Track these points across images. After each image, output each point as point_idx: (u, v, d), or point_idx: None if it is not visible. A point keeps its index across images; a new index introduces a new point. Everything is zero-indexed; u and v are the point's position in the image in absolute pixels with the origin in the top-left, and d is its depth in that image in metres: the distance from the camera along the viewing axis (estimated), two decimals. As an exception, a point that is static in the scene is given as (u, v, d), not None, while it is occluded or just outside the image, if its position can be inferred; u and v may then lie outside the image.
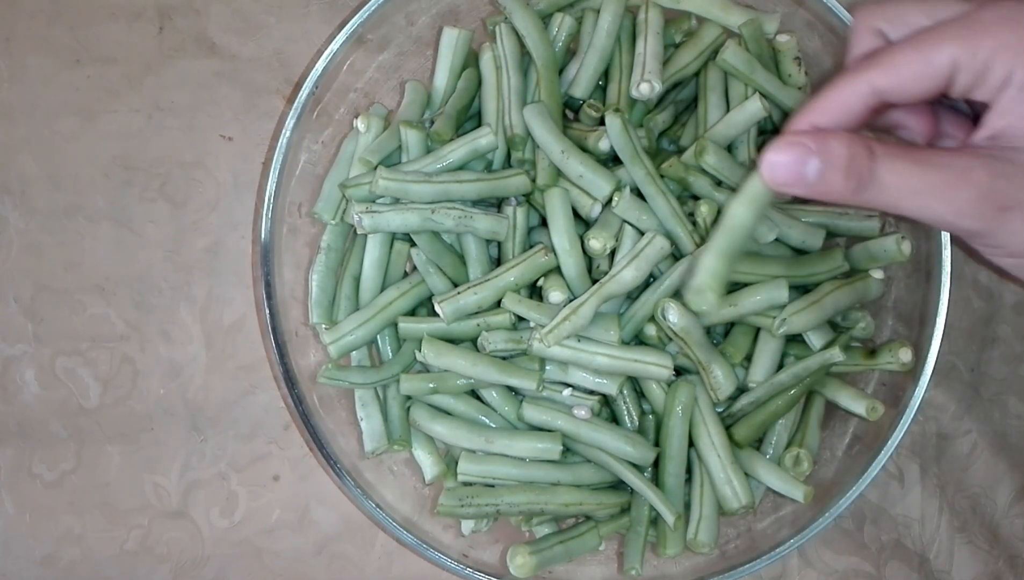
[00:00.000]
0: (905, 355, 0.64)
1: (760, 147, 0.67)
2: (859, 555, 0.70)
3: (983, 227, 0.39)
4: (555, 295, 0.62)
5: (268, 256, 0.64)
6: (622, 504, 0.65)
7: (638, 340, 0.65)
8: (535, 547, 0.64)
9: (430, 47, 0.71)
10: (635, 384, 0.65)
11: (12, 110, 0.74)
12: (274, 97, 0.75)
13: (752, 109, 0.63)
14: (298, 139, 0.66)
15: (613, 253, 0.63)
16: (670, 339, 0.62)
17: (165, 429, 0.72)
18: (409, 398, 0.67)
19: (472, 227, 0.63)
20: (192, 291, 0.73)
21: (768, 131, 0.69)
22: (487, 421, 0.65)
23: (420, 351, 0.63)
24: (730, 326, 0.65)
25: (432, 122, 0.67)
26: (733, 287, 0.64)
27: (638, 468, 0.64)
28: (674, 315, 0.60)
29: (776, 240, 0.64)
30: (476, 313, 0.64)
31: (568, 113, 0.69)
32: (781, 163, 0.38)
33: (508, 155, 0.67)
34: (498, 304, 0.63)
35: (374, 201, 0.64)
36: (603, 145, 0.64)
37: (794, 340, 0.65)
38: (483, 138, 0.64)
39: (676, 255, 0.63)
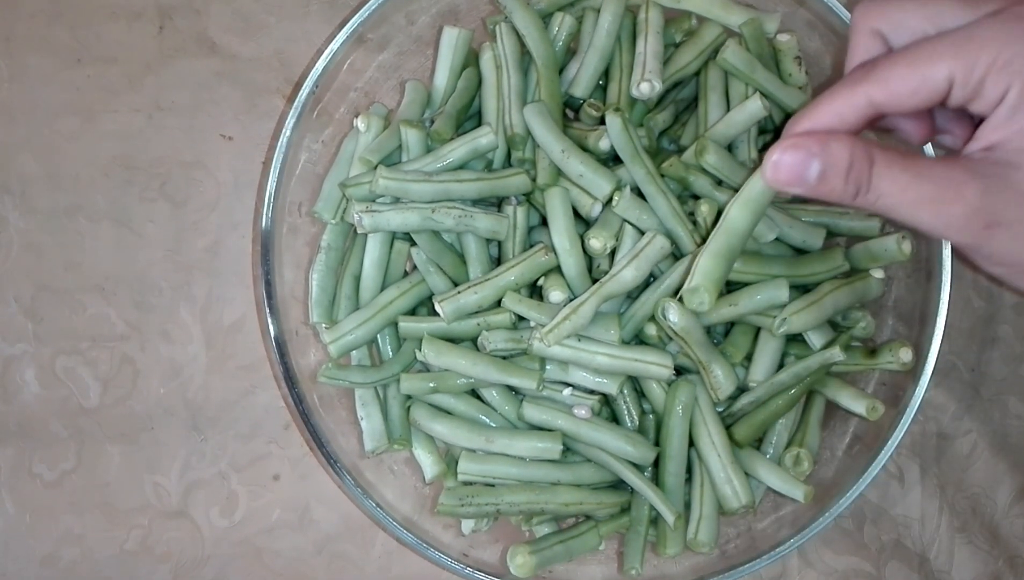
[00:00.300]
0: (905, 355, 0.64)
1: (761, 148, 0.67)
2: (859, 555, 0.70)
3: (971, 241, 0.41)
4: (555, 294, 0.62)
5: (268, 255, 0.64)
6: (622, 504, 0.65)
7: (638, 340, 0.65)
8: (535, 547, 0.64)
9: (430, 46, 0.71)
10: (635, 384, 0.65)
11: (12, 110, 0.74)
12: (274, 97, 0.75)
13: (752, 108, 0.63)
14: (298, 138, 0.66)
15: (613, 252, 0.63)
16: (670, 339, 0.62)
17: (165, 429, 0.72)
18: (409, 397, 0.67)
19: (472, 226, 0.63)
20: (192, 291, 0.73)
21: (768, 130, 0.69)
22: (487, 420, 0.65)
23: (420, 350, 0.63)
24: (730, 326, 0.65)
25: (432, 121, 0.67)
26: (733, 286, 0.64)
27: (638, 468, 0.64)
28: (674, 314, 0.60)
29: (776, 239, 0.64)
30: (476, 312, 0.64)
31: (568, 112, 0.69)
32: (784, 163, 0.40)
33: (508, 154, 0.67)
34: (498, 303, 0.63)
35: (374, 200, 0.64)
36: (603, 144, 0.64)
37: (794, 340, 0.65)
38: (483, 137, 0.64)
39: (676, 255, 0.63)
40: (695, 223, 0.63)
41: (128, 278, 0.73)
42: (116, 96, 0.74)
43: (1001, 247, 0.40)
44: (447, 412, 0.66)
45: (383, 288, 0.67)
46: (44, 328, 0.73)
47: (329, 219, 0.68)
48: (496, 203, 0.67)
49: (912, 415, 0.61)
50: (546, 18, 0.68)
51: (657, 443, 0.64)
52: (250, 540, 0.71)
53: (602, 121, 0.64)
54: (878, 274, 0.65)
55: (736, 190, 0.62)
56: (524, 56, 0.68)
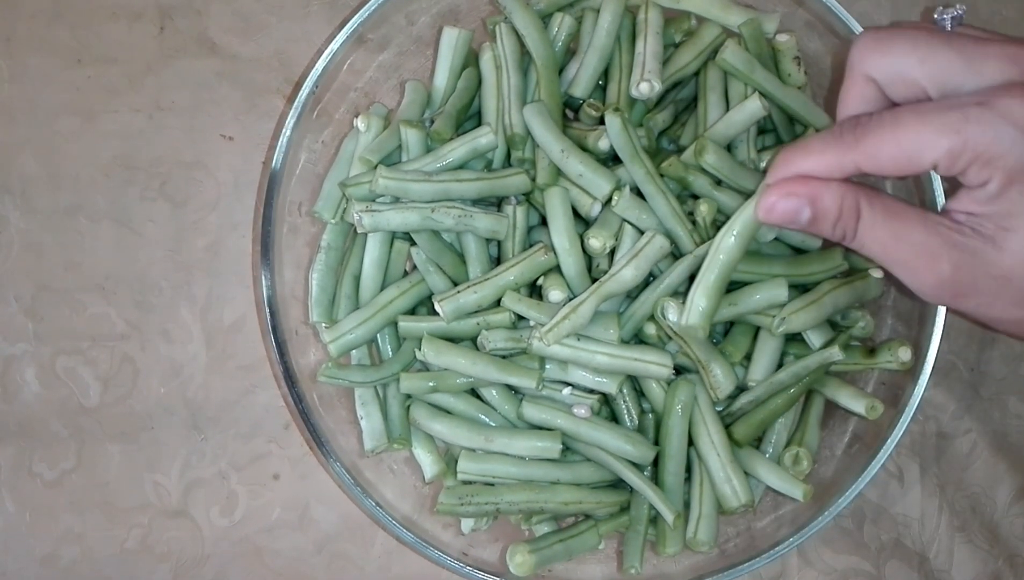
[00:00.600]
0: (904, 354, 0.64)
1: (760, 149, 0.67)
2: (859, 554, 0.70)
3: (942, 302, 0.45)
4: (555, 294, 0.62)
5: (268, 255, 0.64)
6: (621, 503, 0.65)
7: (638, 339, 0.65)
8: (535, 545, 0.64)
9: (430, 47, 0.71)
10: (635, 383, 0.66)
11: (13, 110, 0.74)
12: (274, 97, 0.75)
13: (752, 108, 0.63)
14: (298, 139, 0.66)
15: (613, 252, 0.63)
16: (670, 338, 0.62)
17: (165, 428, 0.72)
18: (409, 397, 0.67)
19: (472, 226, 0.64)
20: (192, 290, 0.73)
21: (768, 130, 0.69)
22: (487, 420, 0.65)
23: (420, 350, 0.63)
24: (730, 325, 0.66)
25: (432, 121, 0.67)
26: (733, 286, 0.65)
27: (638, 467, 0.64)
28: (673, 314, 0.60)
29: (776, 239, 0.64)
30: (476, 312, 0.64)
31: (568, 113, 0.69)
32: (779, 208, 0.43)
33: (508, 154, 0.67)
34: (498, 303, 0.63)
35: (374, 200, 0.65)
36: (603, 144, 0.64)
37: (794, 339, 0.65)
38: (483, 137, 0.64)
39: (676, 254, 0.64)
40: (694, 223, 0.63)
41: (128, 278, 0.73)
42: (116, 96, 0.75)
43: (971, 311, 0.43)
44: (447, 411, 0.66)
45: (383, 288, 0.67)
46: (44, 327, 0.73)
47: (329, 219, 0.68)
48: (496, 203, 0.67)
49: (911, 414, 0.61)
50: (546, 18, 0.69)
51: (656, 442, 0.64)
52: (250, 539, 0.71)
53: (602, 121, 0.64)
54: (877, 273, 0.65)
55: (736, 190, 0.63)
56: (524, 56, 0.68)
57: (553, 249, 0.63)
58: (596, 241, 0.62)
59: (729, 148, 0.65)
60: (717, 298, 0.51)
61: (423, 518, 0.66)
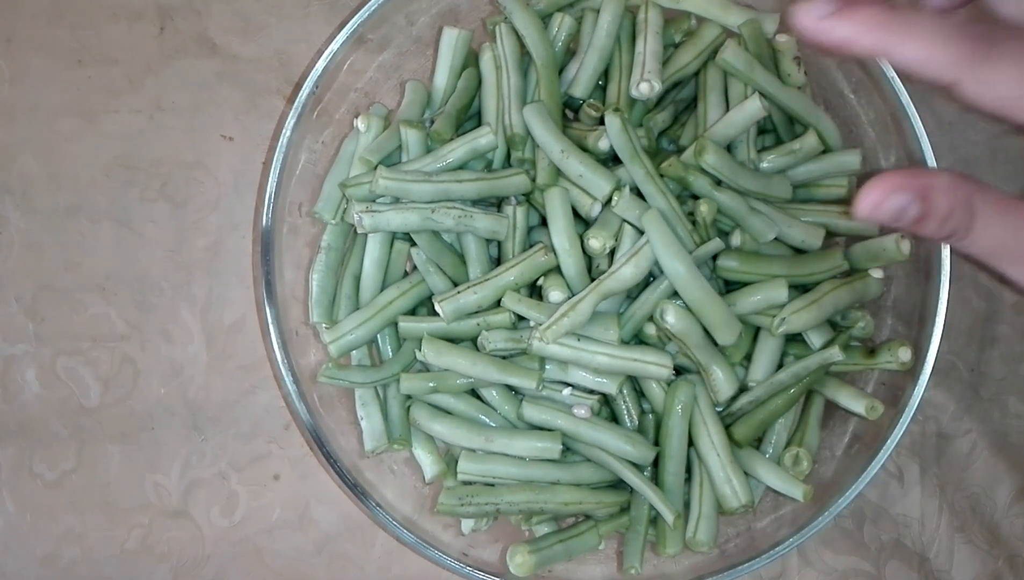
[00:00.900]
0: (904, 354, 0.64)
1: (760, 149, 0.67)
2: (859, 555, 0.70)
3: None
4: (555, 294, 0.62)
5: (268, 256, 0.64)
6: (622, 503, 0.65)
7: (638, 339, 0.65)
8: (535, 546, 0.64)
9: (430, 47, 0.71)
10: (635, 383, 0.66)
11: (13, 110, 0.75)
12: (274, 97, 0.75)
13: (751, 108, 0.63)
14: (298, 139, 0.66)
15: (613, 252, 0.63)
16: (670, 339, 0.62)
17: (166, 428, 0.72)
18: (409, 397, 0.67)
19: (472, 226, 0.64)
20: (193, 291, 0.73)
21: (767, 130, 0.69)
22: (487, 420, 0.65)
23: (420, 350, 0.63)
24: (730, 325, 0.66)
25: (432, 122, 0.67)
26: (732, 286, 0.65)
27: (638, 467, 0.64)
28: (672, 317, 0.60)
29: (776, 239, 0.64)
30: (476, 312, 0.64)
31: (568, 113, 0.69)
32: (886, 206, 0.39)
33: (508, 155, 0.67)
34: (498, 303, 0.63)
35: (374, 200, 0.65)
36: (603, 145, 0.64)
37: (794, 339, 0.65)
38: (483, 138, 0.64)
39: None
40: (694, 223, 0.63)
41: (129, 278, 0.73)
42: (117, 96, 0.75)
43: None
44: (447, 412, 0.66)
45: (383, 288, 0.67)
46: (45, 328, 0.73)
47: (329, 219, 0.68)
48: (496, 203, 0.67)
49: (911, 415, 0.61)
50: (546, 19, 0.69)
51: (656, 443, 0.64)
52: (250, 540, 0.71)
53: (601, 121, 0.64)
54: (877, 274, 0.65)
55: (736, 190, 0.63)
56: (524, 56, 0.68)
57: (553, 249, 0.63)
58: (596, 241, 0.62)
59: (729, 148, 0.65)
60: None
61: (423, 518, 0.66)
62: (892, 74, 0.63)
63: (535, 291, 0.65)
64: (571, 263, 0.63)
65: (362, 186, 0.65)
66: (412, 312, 0.67)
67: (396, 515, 0.63)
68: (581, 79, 0.67)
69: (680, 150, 0.67)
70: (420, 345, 0.63)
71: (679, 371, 0.64)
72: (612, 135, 0.63)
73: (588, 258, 0.64)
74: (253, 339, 0.73)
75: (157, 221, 0.74)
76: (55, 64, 0.75)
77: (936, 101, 0.73)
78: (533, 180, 0.65)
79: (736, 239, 0.64)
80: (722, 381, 0.62)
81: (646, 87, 0.64)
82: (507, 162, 0.67)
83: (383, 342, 0.68)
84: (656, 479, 0.64)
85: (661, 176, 0.63)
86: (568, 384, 0.64)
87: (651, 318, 0.62)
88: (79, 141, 0.74)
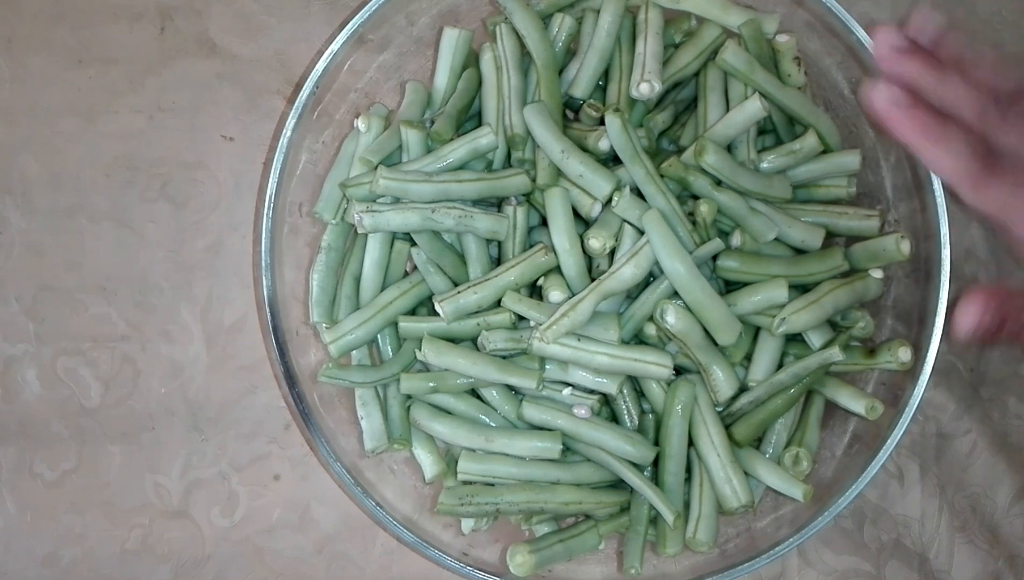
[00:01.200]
0: (904, 354, 0.64)
1: (760, 149, 0.67)
2: (859, 555, 0.70)
3: None
4: (555, 294, 0.62)
5: (269, 256, 0.64)
6: (622, 503, 0.65)
7: (638, 339, 0.65)
8: (535, 546, 0.64)
9: (430, 47, 0.71)
10: (635, 383, 0.66)
11: (14, 110, 0.75)
12: (275, 97, 0.75)
13: (751, 109, 0.64)
14: (299, 139, 0.66)
15: (613, 253, 0.63)
16: (670, 338, 0.62)
17: (166, 429, 0.72)
18: (409, 397, 0.67)
19: (472, 227, 0.64)
20: (193, 291, 0.73)
21: (767, 131, 0.69)
22: (487, 420, 0.65)
23: (420, 350, 0.63)
24: (730, 325, 0.66)
25: (432, 122, 0.67)
26: (732, 286, 0.65)
27: (638, 467, 0.64)
28: (672, 317, 0.60)
29: (776, 239, 0.64)
30: (476, 312, 0.64)
31: (568, 113, 0.69)
32: (980, 325, 0.46)
33: (508, 155, 0.67)
34: (498, 303, 0.63)
35: (375, 201, 0.65)
36: (603, 145, 0.64)
37: (794, 339, 0.65)
38: (483, 138, 0.64)
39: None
40: (694, 223, 0.63)
41: (129, 278, 0.73)
42: (117, 97, 0.75)
43: None
44: (447, 412, 0.66)
45: (383, 288, 0.67)
46: (45, 328, 0.73)
47: (329, 219, 0.68)
48: (496, 203, 0.67)
49: (911, 415, 0.61)
50: (546, 19, 0.69)
51: (656, 443, 0.64)
52: (251, 540, 0.71)
53: (602, 122, 0.64)
54: (877, 274, 0.65)
55: (736, 190, 0.63)
56: (524, 57, 0.68)
57: (553, 249, 0.63)
58: (596, 241, 0.62)
59: (729, 148, 0.65)
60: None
61: (423, 518, 0.66)
62: (892, 74, 0.63)
63: (535, 291, 0.65)
64: (571, 263, 0.63)
65: (362, 186, 0.65)
66: (412, 312, 0.67)
67: (396, 515, 0.63)
68: (581, 79, 0.67)
69: (680, 150, 0.67)
70: (420, 345, 0.63)
71: (679, 371, 0.64)
72: (612, 135, 0.63)
73: (588, 258, 0.64)
74: (253, 339, 0.73)
75: (157, 221, 0.74)
76: (55, 64, 0.75)
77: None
78: (533, 180, 0.65)
79: (736, 239, 0.64)
80: (722, 381, 0.62)
81: (646, 87, 0.64)
82: (507, 162, 0.67)
83: (383, 342, 0.68)
84: (656, 479, 0.64)
85: (661, 176, 0.63)
86: (568, 384, 0.64)
87: (651, 318, 0.62)
88: (79, 141, 0.74)
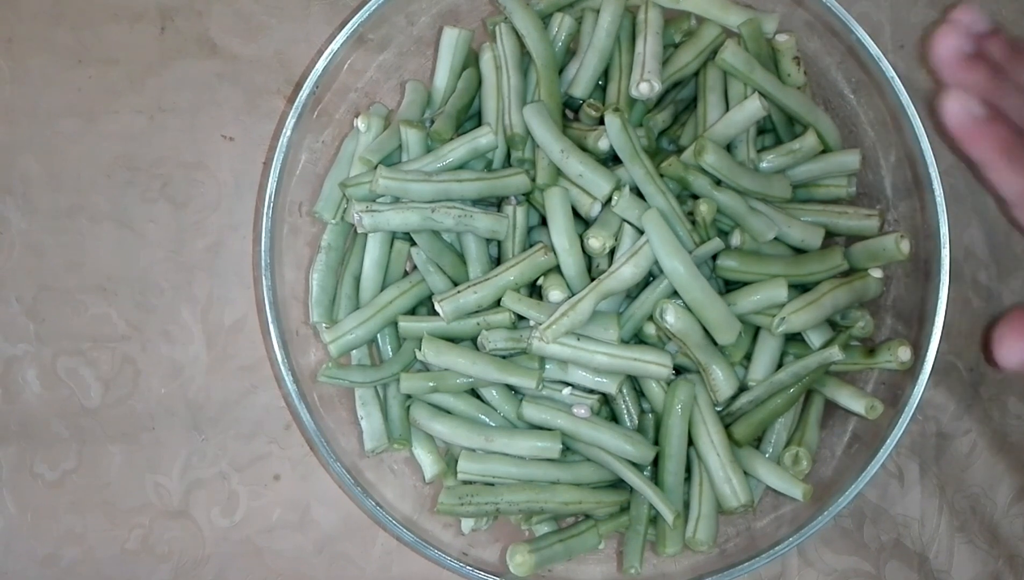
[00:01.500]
0: (904, 354, 0.64)
1: (760, 149, 0.67)
2: (859, 554, 0.70)
3: None
4: (555, 294, 0.62)
5: (269, 256, 0.64)
6: (621, 503, 0.65)
7: (637, 339, 0.65)
8: (535, 545, 0.64)
9: (430, 47, 0.71)
10: (635, 383, 0.66)
11: (14, 111, 0.75)
12: (275, 97, 0.75)
13: (751, 108, 0.64)
14: (299, 139, 0.66)
15: (612, 252, 0.63)
16: (669, 338, 0.62)
17: (166, 429, 0.72)
18: (409, 397, 0.67)
19: (472, 226, 0.64)
20: (193, 291, 0.73)
21: (767, 130, 0.69)
22: (487, 420, 0.65)
23: (420, 350, 0.63)
24: (729, 325, 0.66)
25: (432, 121, 0.67)
26: (732, 286, 0.65)
27: (637, 467, 0.64)
28: (672, 316, 0.60)
29: (775, 239, 0.64)
30: (476, 312, 0.64)
31: (568, 113, 0.69)
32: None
33: (508, 154, 0.67)
34: (498, 303, 0.63)
35: (374, 200, 0.65)
36: (603, 144, 0.64)
37: (793, 339, 0.65)
38: (483, 137, 0.65)
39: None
40: (694, 223, 0.63)
41: (129, 278, 0.73)
42: (117, 97, 0.75)
43: None
44: (447, 411, 0.66)
45: (383, 288, 0.67)
46: (45, 328, 0.73)
47: (329, 219, 0.68)
48: (496, 203, 0.67)
49: (911, 414, 0.61)
50: (546, 19, 0.69)
51: (656, 442, 0.64)
52: (251, 540, 0.71)
53: (601, 121, 0.64)
54: (877, 273, 0.65)
55: (735, 190, 0.63)
56: (524, 56, 0.68)
57: (553, 249, 0.63)
58: (596, 241, 0.62)
59: (729, 148, 0.65)
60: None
61: (423, 518, 0.66)
62: (892, 74, 0.63)
63: (535, 291, 0.65)
64: (571, 263, 0.63)
65: (362, 186, 0.65)
66: (412, 312, 0.67)
67: (396, 515, 0.63)
68: (581, 79, 0.67)
69: (680, 150, 0.67)
70: (420, 345, 0.63)
71: (679, 371, 0.64)
72: (612, 135, 0.63)
73: (588, 258, 0.64)
74: (253, 339, 0.73)
75: (158, 221, 0.74)
76: (55, 64, 0.75)
77: (936, 101, 0.73)
78: (533, 180, 0.65)
79: (736, 239, 0.64)
80: (722, 381, 0.62)
81: (646, 87, 0.64)
82: (507, 162, 0.67)
83: (383, 342, 0.68)
84: (656, 479, 0.64)
85: (661, 176, 0.63)
86: (568, 384, 0.64)
87: (651, 318, 0.62)
88: (80, 142, 0.74)
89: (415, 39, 0.71)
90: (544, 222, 0.65)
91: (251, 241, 0.73)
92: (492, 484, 0.64)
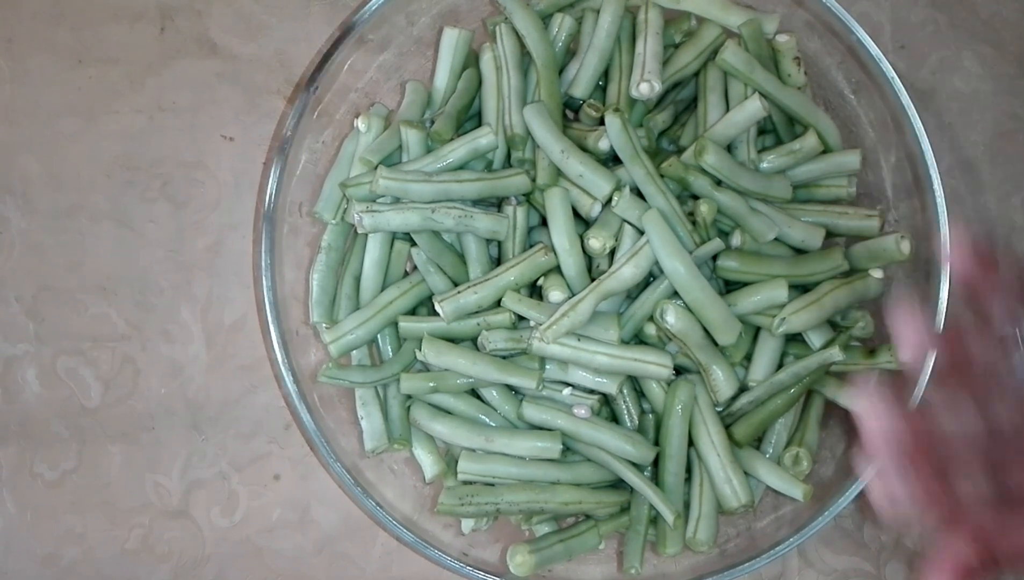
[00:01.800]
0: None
1: (760, 149, 0.67)
2: (859, 555, 0.70)
3: None
4: (555, 294, 0.62)
5: (269, 256, 0.64)
6: (622, 503, 0.65)
7: (638, 339, 0.65)
8: (535, 546, 0.64)
9: (430, 47, 0.71)
10: (635, 383, 0.66)
11: (14, 110, 0.75)
12: (275, 97, 0.75)
13: (752, 109, 0.64)
14: (298, 139, 0.66)
15: (613, 252, 0.63)
16: (670, 338, 0.62)
17: (166, 428, 0.72)
18: (409, 397, 0.67)
19: (472, 226, 0.64)
20: (193, 291, 0.73)
21: (767, 131, 0.69)
22: (487, 420, 0.65)
23: (420, 350, 0.63)
24: (730, 325, 0.66)
25: (432, 122, 0.67)
26: (732, 286, 0.65)
27: (638, 467, 0.64)
28: (672, 317, 0.60)
29: (776, 239, 0.64)
30: (476, 312, 0.64)
31: (568, 113, 0.69)
32: None
33: (508, 155, 0.67)
34: (498, 303, 0.63)
35: (374, 200, 0.65)
36: (603, 145, 0.64)
37: (794, 339, 0.65)
38: (483, 138, 0.65)
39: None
40: (694, 223, 0.63)
41: (129, 278, 0.73)
42: (117, 97, 0.75)
43: None
44: (447, 412, 0.66)
45: (383, 288, 0.67)
46: (45, 328, 0.73)
47: (329, 219, 0.68)
48: (496, 203, 0.67)
49: (911, 415, 0.61)
50: (546, 19, 0.69)
51: (656, 442, 0.64)
52: (251, 540, 0.71)
53: (602, 122, 0.64)
54: (877, 274, 0.65)
55: (736, 190, 0.63)
56: (524, 57, 0.68)
57: (553, 249, 0.63)
58: (596, 241, 0.62)
59: (729, 148, 0.65)
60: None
61: (423, 518, 0.66)
62: (892, 74, 0.63)
63: (535, 291, 0.65)
64: (571, 263, 0.63)
65: (362, 186, 0.65)
66: (412, 312, 0.67)
67: (396, 515, 0.63)
68: (581, 79, 0.67)
69: (680, 150, 0.67)
70: (420, 345, 0.63)
71: (679, 371, 0.64)
72: (612, 135, 0.63)
73: (588, 258, 0.64)
74: (253, 339, 0.73)
75: (158, 221, 0.74)
76: (55, 64, 0.75)
77: (936, 101, 0.73)
78: (533, 180, 0.65)
79: (736, 239, 0.64)
80: (722, 381, 0.62)
81: (646, 87, 0.64)
82: (507, 162, 0.67)
83: (383, 342, 0.68)
84: (656, 479, 0.64)
85: (661, 176, 0.63)
86: (568, 384, 0.64)
87: (651, 318, 0.62)
88: (80, 141, 0.74)
89: (415, 39, 0.71)
90: (544, 222, 0.65)
91: (251, 241, 0.73)
92: (492, 484, 0.64)
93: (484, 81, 0.68)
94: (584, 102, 0.67)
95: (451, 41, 0.68)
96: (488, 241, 0.66)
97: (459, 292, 0.63)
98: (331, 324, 0.67)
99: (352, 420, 0.68)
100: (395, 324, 0.66)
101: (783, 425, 0.66)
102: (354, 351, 0.68)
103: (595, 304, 0.61)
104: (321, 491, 0.71)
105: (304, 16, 0.75)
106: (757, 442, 0.67)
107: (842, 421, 0.68)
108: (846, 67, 0.67)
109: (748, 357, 0.64)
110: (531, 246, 0.65)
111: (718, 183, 0.63)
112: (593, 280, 0.63)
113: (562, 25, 0.68)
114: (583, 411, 0.63)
